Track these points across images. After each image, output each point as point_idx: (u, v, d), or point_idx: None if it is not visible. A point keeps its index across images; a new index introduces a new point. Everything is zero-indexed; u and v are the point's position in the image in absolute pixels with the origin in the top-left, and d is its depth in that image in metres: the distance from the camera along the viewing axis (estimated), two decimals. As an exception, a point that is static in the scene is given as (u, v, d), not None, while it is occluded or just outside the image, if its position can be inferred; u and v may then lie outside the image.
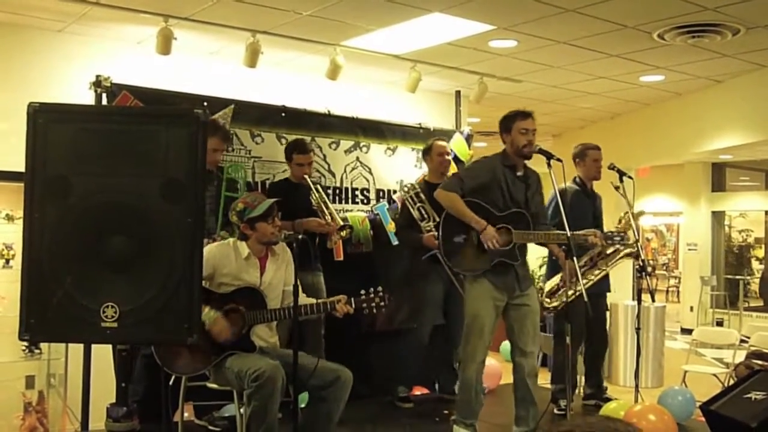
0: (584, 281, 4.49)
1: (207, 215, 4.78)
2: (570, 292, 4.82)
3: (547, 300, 5.45)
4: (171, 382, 4.17)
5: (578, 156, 5.70)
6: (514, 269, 4.59)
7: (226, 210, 4.92)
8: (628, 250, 5.41)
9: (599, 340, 5.77)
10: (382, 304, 4.15)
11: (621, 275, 10.83)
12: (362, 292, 4.18)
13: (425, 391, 6.23)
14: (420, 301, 5.68)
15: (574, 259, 4.36)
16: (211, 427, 4.95)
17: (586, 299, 4.31)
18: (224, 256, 4.20)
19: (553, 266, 5.58)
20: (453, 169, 6.43)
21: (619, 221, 5.42)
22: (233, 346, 4.05)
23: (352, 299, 4.15)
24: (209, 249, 4.16)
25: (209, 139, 4.69)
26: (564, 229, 4.42)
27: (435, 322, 5.71)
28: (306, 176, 5.40)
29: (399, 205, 6.09)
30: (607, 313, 6.03)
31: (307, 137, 5.91)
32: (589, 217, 5.37)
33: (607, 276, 5.65)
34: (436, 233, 5.31)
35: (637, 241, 5.31)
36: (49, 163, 2.81)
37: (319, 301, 4.22)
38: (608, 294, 5.81)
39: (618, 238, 4.88)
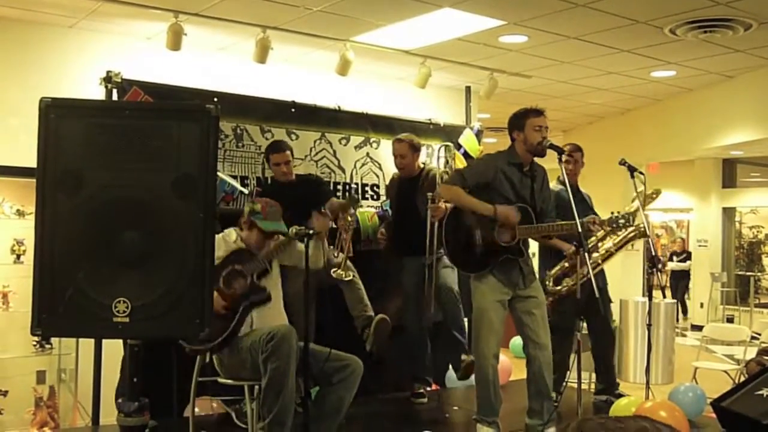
0: (592, 266, 4.43)
1: None
2: (572, 281, 4.81)
3: (551, 286, 5.44)
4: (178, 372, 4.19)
5: None
6: (518, 265, 4.57)
7: None
8: (634, 231, 5.35)
9: (603, 335, 5.72)
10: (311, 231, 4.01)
11: (631, 272, 10.85)
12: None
13: (435, 387, 6.22)
14: (406, 299, 5.61)
15: (585, 253, 4.34)
16: (237, 422, 4.92)
17: (597, 295, 4.30)
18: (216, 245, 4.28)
19: (545, 260, 5.54)
20: (462, 163, 6.43)
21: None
22: (247, 296, 4.15)
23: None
24: None
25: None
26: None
27: (434, 318, 5.64)
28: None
29: None
30: (611, 307, 5.91)
31: (317, 133, 5.91)
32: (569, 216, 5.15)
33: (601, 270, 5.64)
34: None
35: (642, 223, 5.25)
36: (60, 158, 2.81)
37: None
38: (604, 288, 5.65)
39: (623, 221, 4.80)
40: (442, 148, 5.97)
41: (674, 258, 15.03)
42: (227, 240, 4.36)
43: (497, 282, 4.52)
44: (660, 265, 11.23)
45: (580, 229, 4.34)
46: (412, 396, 5.68)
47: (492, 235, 4.50)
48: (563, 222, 4.58)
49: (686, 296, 14.88)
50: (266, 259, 4.28)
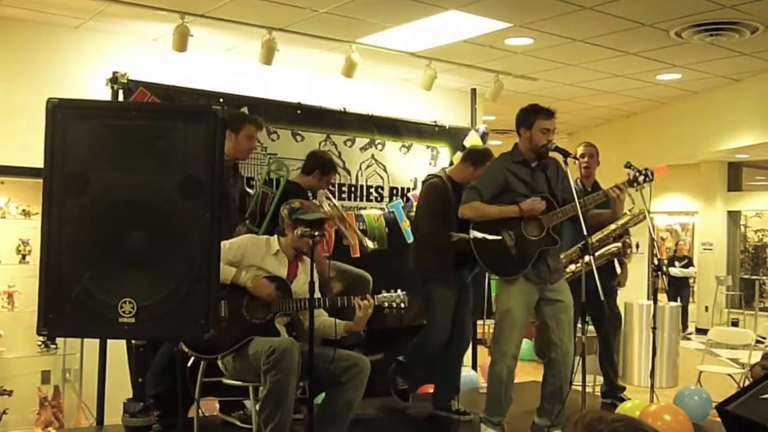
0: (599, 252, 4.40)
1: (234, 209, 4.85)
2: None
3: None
4: (186, 374, 4.17)
5: None
6: (545, 259, 4.53)
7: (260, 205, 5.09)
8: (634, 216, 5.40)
9: (604, 338, 5.71)
10: (402, 306, 4.20)
11: (635, 275, 10.81)
12: (384, 292, 4.21)
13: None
14: (443, 312, 5.42)
15: (592, 257, 4.32)
16: (240, 424, 4.90)
17: (602, 298, 4.29)
18: (255, 247, 4.24)
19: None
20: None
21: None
22: (257, 330, 4.07)
23: (375, 296, 4.18)
24: (243, 237, 4.32)
25: (246, 126, 4.77)
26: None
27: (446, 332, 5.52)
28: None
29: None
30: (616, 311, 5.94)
31: (322, 134, 5.91)
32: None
33: (611, 274, 5.66)
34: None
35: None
36: (67, 159, 2.82)
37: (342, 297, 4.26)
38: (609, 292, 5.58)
39: (642, 177, 4.73)
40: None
41: (676, 263, 13.82)
42: (270, 247, 4.25)
43: (525, 281, 4.48)
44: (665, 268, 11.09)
45: (584, 230, 4.30)
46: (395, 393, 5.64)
47: (522, 233, 4.48)
48: (580, 200, 4.49)
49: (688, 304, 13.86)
50: (300, 310, 4.19)
